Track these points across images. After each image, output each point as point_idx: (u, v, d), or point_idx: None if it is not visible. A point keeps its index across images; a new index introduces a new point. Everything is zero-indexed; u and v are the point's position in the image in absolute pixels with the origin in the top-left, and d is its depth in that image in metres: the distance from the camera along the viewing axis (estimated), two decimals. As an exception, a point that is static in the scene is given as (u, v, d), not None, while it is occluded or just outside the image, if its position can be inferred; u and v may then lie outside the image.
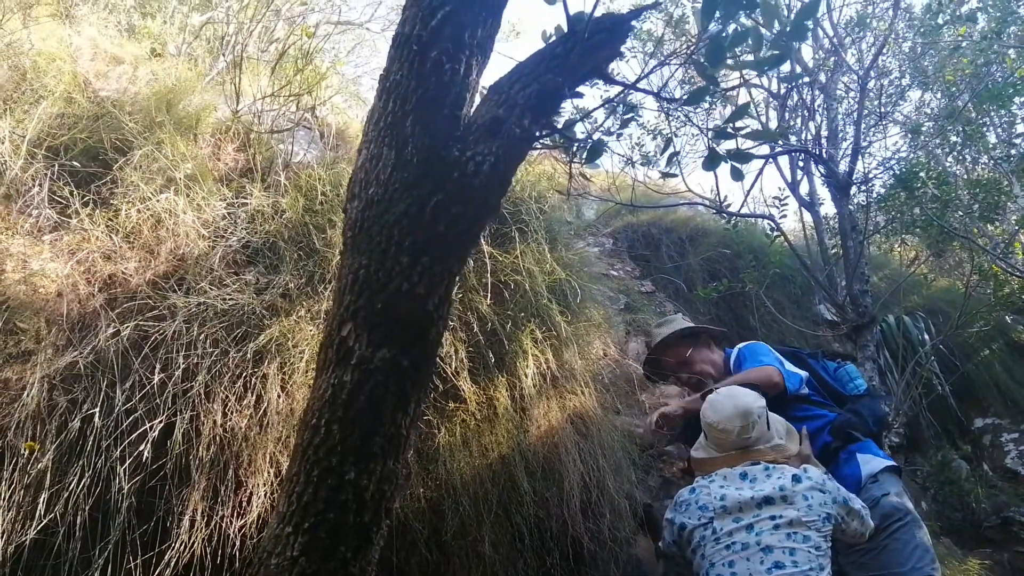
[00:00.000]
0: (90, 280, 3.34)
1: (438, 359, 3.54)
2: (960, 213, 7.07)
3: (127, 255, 3.47)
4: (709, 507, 3.30)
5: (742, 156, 2.42)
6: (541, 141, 2.07)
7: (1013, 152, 7.88)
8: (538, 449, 3.61)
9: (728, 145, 2.43)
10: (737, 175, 2.44)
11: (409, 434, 1.94)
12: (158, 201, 3.60)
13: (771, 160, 6.60)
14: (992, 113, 8.15)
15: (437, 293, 1.93)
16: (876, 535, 3.84)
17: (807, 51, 7.51)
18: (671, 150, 5.14)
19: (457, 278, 2.07)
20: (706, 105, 7.52)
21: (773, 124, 6.97)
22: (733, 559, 3.12)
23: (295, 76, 4.92)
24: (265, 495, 3.11)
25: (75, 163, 3.66)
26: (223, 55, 5.39)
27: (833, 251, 6.84)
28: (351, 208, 1.98)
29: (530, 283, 3.87)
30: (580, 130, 2.42)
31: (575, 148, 2.37)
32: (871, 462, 3.98)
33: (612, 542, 3.62)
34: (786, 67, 6.83)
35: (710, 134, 2.38)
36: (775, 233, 6.66)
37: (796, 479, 3.31)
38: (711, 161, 2.36)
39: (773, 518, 3.18)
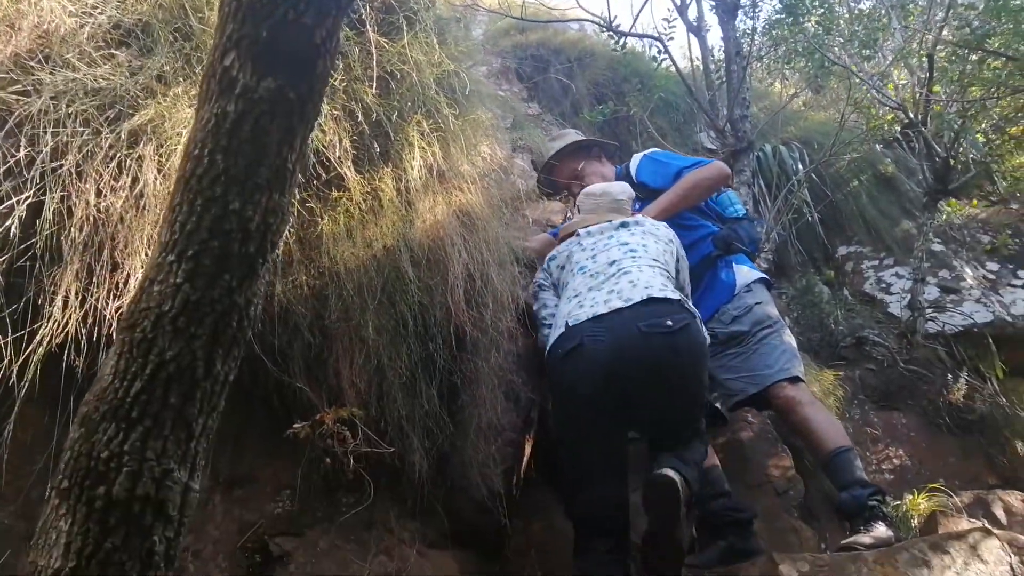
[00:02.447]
0: (-60, 51, 3.10)
1: (320, 147, 3.46)
2: (840, 40, 7.20)
3: (-17, 28, 3.21)
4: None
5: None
6: None
7: (894, -15, 8.01)
8: (423, 241, 3.59)
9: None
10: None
11: (296, 170, 1.90)
12: (15, -30, 3.33)
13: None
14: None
15: (325, 26, 1.85)
16: (746, 340, 4.11)
17: None
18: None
19: (345, 14, 1.99)
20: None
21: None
22: (594, 253, 3.74)
23: None
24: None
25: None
26: None
27: (717, 77, 6.92)
28: (232, -69, 1.87)
29: (418, 75, 3.77)
30: None
31: None
32: (747, 273, 4.26)
33: (494, 330, 3.70)
34: None
35: None
36: (662, 56, 6.69)
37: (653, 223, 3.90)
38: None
39: (629, 231, 3.83)
